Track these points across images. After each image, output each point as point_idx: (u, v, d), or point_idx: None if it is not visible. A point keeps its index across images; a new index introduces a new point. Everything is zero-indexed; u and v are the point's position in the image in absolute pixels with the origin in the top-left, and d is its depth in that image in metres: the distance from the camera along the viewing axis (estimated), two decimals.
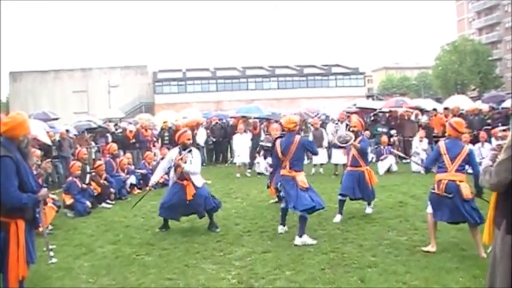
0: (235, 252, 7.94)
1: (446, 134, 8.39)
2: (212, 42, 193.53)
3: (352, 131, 10.60)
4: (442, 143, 8.03)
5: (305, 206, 8.43)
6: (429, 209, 7.80)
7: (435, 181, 7.67)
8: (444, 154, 7.66)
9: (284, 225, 9.33)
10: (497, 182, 4.29)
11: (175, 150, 9.81)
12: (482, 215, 7.04)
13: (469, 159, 7.63)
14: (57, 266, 7.58)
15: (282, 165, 8.95)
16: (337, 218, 10.03)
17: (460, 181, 7.47)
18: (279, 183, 9.38)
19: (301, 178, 8.61)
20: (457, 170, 7.52)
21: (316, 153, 9.84)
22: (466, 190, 7.43)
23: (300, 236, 8.35)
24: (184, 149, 9.66)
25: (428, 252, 7.48)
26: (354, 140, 10.32)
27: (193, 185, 9.54)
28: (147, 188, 10.58)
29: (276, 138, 9.25)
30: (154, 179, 10.27)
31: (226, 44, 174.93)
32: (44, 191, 5.23)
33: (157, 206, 12.22)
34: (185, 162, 9.45)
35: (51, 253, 8.26)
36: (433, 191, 7.69)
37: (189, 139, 9.89)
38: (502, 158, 4.29)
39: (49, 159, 5.49)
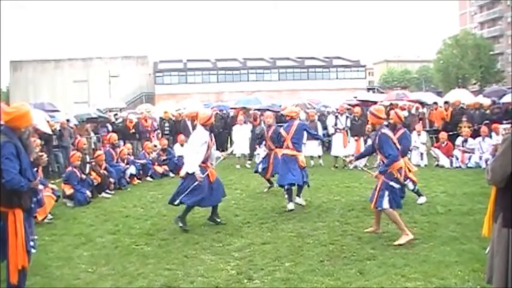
0: (234, 244, 7.95)
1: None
2: (213, 33, 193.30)
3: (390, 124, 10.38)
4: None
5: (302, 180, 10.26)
6: (385, 204, 7.81)
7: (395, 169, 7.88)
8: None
9: (292, 201, 10.30)
10: (495, 178, 4.37)
11: (206, 132, 9.34)
12: None
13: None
14: (57, 256, 7.60)
15: (283, 145, 10.47)
16: None
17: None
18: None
19: (301, 158, 10.07)
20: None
21: (318, 137, 11.61)
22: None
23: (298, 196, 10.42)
24: (211, 132, 9.58)
25: (407, 242, 7.53)
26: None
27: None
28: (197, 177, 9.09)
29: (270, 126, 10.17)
30: (196, 164, 9.05)
31: (227, 35, 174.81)
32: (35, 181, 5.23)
33: (156, 197, 12.31)
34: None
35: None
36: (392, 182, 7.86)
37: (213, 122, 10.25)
38: (497, 155, 4.39)
39: (42, 154, 5.47)
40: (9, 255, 4.75)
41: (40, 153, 5.82)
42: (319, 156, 17.79)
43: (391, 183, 7.83)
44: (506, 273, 4.38)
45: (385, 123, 8.90)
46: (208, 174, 9.14)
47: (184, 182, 9.19)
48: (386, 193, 7.78)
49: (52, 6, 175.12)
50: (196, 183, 8.89)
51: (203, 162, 9.13)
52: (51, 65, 70.32)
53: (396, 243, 7.54)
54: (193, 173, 8.96)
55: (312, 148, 17.22)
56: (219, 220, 9.39)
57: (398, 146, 8.27)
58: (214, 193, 9.26)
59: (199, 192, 8.96)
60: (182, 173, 9.75)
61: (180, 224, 8.90)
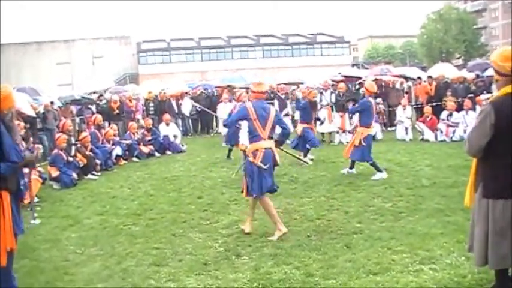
0: (221, 221, 7.99)
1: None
2: (196, 12, 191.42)
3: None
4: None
5: None
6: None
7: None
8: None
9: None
10: (471, 149, 4.48)
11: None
12: None
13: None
14: (45, 238, 7.60)
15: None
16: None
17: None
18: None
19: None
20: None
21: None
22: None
23: None
24: None
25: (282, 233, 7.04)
26: None
27: None
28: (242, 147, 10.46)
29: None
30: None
31: (210, 13, 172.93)
32: (28, 154, 5.09)
33: (143, 177, 12.32)
34: None
35: (35, 214, 8.54)
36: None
37: None
38: (474, 126, 4.48)
39: (33, 153, 5.42)
40: None
41: (30, 155, 5.72)
42: None
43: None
44: (485, 242, 4.48)
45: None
46: None
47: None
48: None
49: None
50: None
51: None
52: (32, 48, 69.25)
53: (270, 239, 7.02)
54: None
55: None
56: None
57: None
58: None
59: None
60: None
61: None
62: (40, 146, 5.60)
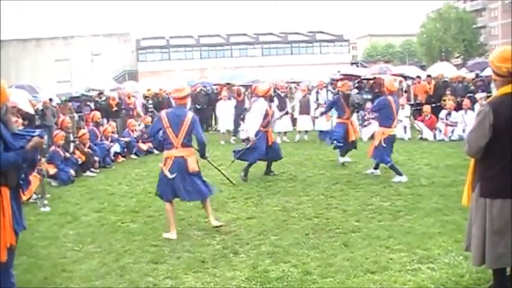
0: (220, 219, 7.97)
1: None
2: (196, 9, 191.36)
3: None
4: None
5: None
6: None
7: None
8: None
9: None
10: (470, 150, 4.50)
11: (265, 102, 11.11)
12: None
13: None
14: (43, 235, 7.59)
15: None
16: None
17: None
18: None
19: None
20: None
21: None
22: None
23: None
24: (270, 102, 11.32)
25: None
26: None
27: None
28: (251, 140, 10.97)
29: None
30: (253, 131, 10.94)
31: (210, 11, 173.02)
32: (35, 139, 4.94)
33: (141, 174, 12.31)
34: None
35: (45, 201, 9.01)
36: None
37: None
38: (472, 127, 4.48)
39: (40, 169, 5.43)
40: None
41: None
42: (306, 132, 17.86)
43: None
44: (483, 241, 4.49)
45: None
46: (267, 137, 10.96)
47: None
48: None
49: None
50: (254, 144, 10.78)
51: (264, 127, 10.90)
52: (32, 44, 69.18)
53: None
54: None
55: (303, 123, 17.69)
56: (272, 173, 11.34)
57: None
58: (271, 152, 11.07)
59: (258, 151, 10.80)
60: (243, 136, 14.07)
61: (244, 177, 10.88)
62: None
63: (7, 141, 4.71)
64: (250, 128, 11.23)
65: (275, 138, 12.41)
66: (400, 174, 10.23)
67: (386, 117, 10.40)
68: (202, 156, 7.68)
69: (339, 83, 18.06)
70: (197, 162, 7.45)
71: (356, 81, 22.17)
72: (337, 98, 12.66)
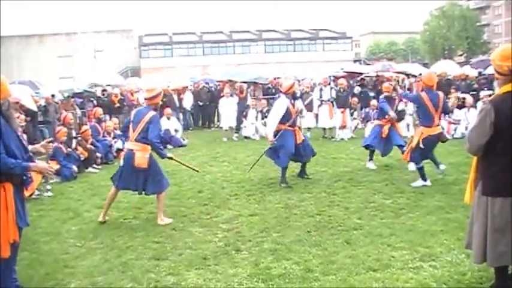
0: (222, 216, 7.99)
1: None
2: (199, 5, 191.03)
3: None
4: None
5: None
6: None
7: None
8: None
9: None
10: (471, 148, 4.50)
11: (287, 100, 10.24)
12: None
13: None
14: (45, 231, 7.60)
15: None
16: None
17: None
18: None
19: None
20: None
21: None
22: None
23: None
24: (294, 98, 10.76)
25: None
26: None
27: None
28: (269, 141, 10.19)
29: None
30: (271, 131, 10.16)
31: (212, 8, 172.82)
32: (41, 164, 4.99)
33: None
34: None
35: (48, 186, 9.54)
36: None
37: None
38: (474, 125, 4.48)
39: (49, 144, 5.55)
40: (0, 229, 4.69)
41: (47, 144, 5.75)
42: (309, 129, 17.82)
43: None
44: (484, 239, 4.49)
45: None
46: (295, 135, 10.18)
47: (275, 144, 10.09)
48: None
49: None
50: (280, 143, 10.01)
51: (290, 126, 10.16)
52: (35, 40, 69.21)
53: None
54: (278, 135, 9.99)
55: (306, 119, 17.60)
56: (306, 176, 10.61)
57: None
58: (302, 151, 10.31)
59: (285, 150, 9.99)
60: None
61: (283, 185, 9.89)
62: (51, 144, 5.70)
63: (6, 144, 4.67)
64: (267, 128, 10.64)
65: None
66: (424, 179, 9.53)
67: (424, 115, 9.56)
68: (160, 155, 7.94)
69: (340, 80, 18.26)
70: (150, 161, 7.83)
71: (359, 78, 22.18)
72: (382, 100, 11.77)
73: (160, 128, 8.10)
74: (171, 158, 8.19)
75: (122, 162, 7.89)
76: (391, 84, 12.45)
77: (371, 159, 11.67)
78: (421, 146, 9.42)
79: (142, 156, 7.72)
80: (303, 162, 10.67)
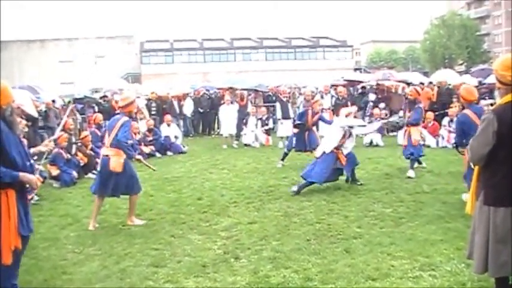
0: (221, 223, 7.97)
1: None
2: (200, 13, 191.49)
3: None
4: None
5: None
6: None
7: None
8: None
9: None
10: (473, 157, 4.50)
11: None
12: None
13: None
14: (43, 237, 7.59)
15: None
16: None
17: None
18: None
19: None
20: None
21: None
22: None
23: None
24: None
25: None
26: None
27: None
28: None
29: None
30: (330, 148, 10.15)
31: (213, 15, 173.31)
32: (30, 176, 4.90)
33: (143, 177, 12.22)
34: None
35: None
36: None
37: None
38: (476, 134, 4.47)
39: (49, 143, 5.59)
40: (2, 235, 4.65)
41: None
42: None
43: None
44: (486, 249, 4.46)
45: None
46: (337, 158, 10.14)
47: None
48: None
49: None
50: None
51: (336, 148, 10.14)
52: (36, 45, 69.45)
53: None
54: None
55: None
56: (359, 183, 10.47)
57: None
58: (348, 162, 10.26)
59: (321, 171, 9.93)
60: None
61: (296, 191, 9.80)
62: (51, 143, 5.75)
63: (6, 151, 4.64)
64: (326, 144, 10.37)
65: (277, 142, 12.02)
66: None
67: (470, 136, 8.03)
68: (128, 156, 8.03)
69: (339, 88, 18.30)
70: (125, 165, 7.97)
71: (359, 86, 22.22)
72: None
73: (128, 132, 8.17)
74: (138, 160, 8.43)
75: (98, 169, 8.11)
76: (415, 89, 12.41)
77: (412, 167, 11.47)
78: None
79: (117, 161, 7.86)
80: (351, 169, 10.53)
